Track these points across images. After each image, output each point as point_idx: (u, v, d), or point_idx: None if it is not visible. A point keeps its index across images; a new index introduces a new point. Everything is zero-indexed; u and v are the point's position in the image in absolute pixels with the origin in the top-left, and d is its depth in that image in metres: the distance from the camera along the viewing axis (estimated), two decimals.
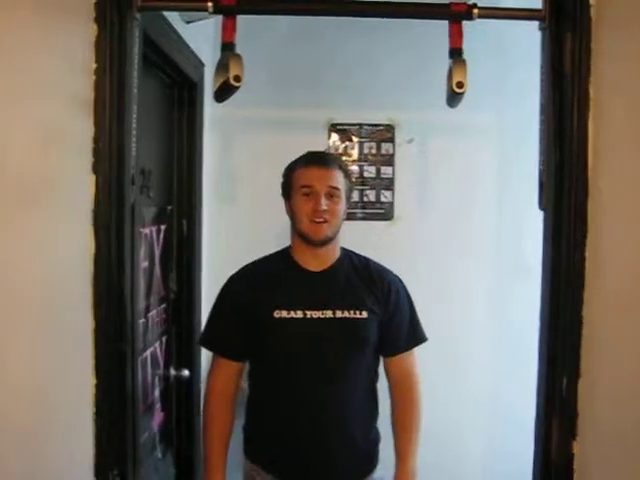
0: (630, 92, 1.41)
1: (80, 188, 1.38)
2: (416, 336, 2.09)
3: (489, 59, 2.74)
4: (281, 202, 2.05)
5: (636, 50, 1.40)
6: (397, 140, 3.00)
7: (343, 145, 3.01)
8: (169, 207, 2.40)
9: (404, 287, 2.10)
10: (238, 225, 2.91)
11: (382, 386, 2.09)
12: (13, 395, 1.37)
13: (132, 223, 1.48)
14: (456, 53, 1.53)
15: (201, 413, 2.12)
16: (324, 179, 1.95)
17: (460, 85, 1.52)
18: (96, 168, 1.38)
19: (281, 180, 2.04)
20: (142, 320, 1.98)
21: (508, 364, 2.91)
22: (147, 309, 2.08)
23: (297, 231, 1.99)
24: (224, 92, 1.57)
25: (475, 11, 1.49)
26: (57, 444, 1.40)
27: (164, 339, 2.33)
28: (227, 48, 1.52)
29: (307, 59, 2.91)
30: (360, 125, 3.00)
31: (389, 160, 3.01)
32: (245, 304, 1.99)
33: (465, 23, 1.51)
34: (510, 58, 2.83)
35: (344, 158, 2.92)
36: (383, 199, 3.02)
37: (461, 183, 2.99)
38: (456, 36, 1.53)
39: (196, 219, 2.55)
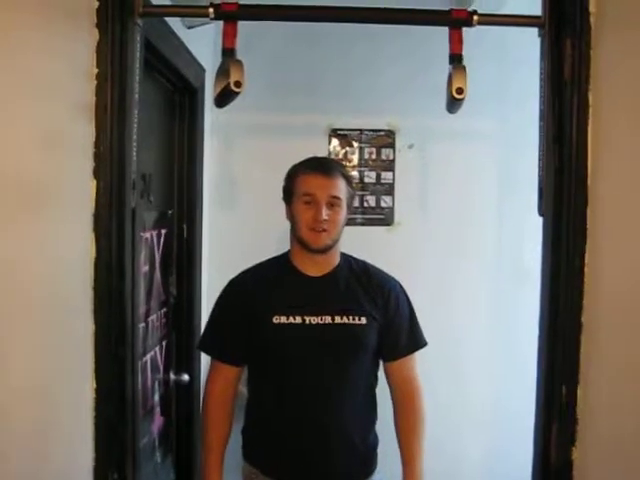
0: (629, 98, 1.42)
1: (81, 192, 1.38)
2: (416, 341, 2.09)
3: (489, 65, 2.75)
4: (281, 207, 2.06)
5: (635, 57, 1.41)
6: (397, 146, 3.01)
7: (343, 150, 3.01)
8: (170, 211, 2.40)
9: (404, 292, 2.10)
10: (238, 230, 2.92)
11: (382, 390, 2.09)
12: (14, 399, 1.37)
13: (133, 227, 1.48)
14: (456, 59, 1.54)
15: (200, 417, 2.12)
16: (326, 188, 1.94)
17: (460, 91, 1.52)
18: (97, 173, 1.38)
19: (282, 184, 2.04)
20: (142, 324, 1.99)
21: (508, 368, 2.91)
22: (147, 313, 2.08)
23: (297, 237, 1.99)
24: (225, 98, 1.58)
25: (475, 18, 1.50)
26: (57, 447, 1.40)
27: (164, 343, 2.33)
28: (228, 54, 1.53)
29: (307, 65, 2.92)
30: (360, 130, 3.01)
31: (389, 165, 3.02)
32: (244, 309, 1.99)
33: (465, 29, 1.52)
34: (510, 64, 2.84)
35: (344, 163, 2.92)
36: (383, 204, 3.02)
37: (461, 189, 2.99)
38: (456, 42, 1.53)
39: (196, 224, 2.56)
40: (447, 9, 1.52)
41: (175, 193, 2.45)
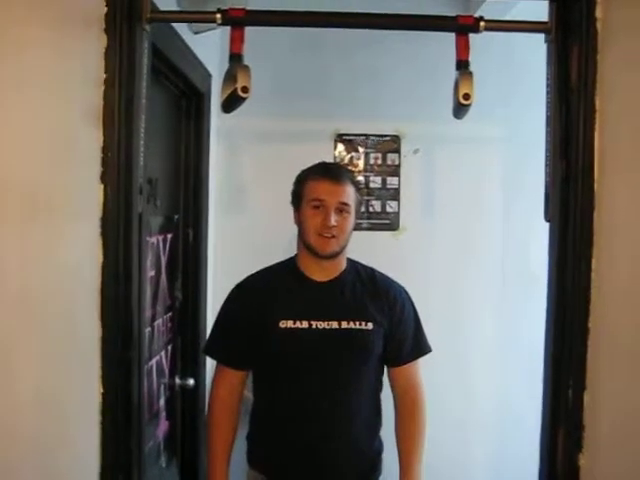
0: (636, 104, 1.42)
1: (88, 197, 1.39)
2: (420, 347, 2.09)
3: (495, 71, 2.75)
4: (286, 212, 2.06)
5: None
6: (403, 151, 3.01)
7: (349, 155, 3.02)
8: (176, 216, 2.41)
9: (409, 298, 2.10)
10: (243, 234, 2.92)
11: (386, 396, 2.09)
12: (19, 403, 1.38)
13: (139, 232, 1.49)
14: (463, 65, 1.54)
15: (205, 422, 2.12)
16: (335, 194, 1.94)
17: (467, 97, 1.52)
18: (104, 177, 1.39)
19: (289, 190, 2.04)
20: (148, 329, 1.99)
21: (515, 373, 2.91)
22: (153, 318, 2.09)
23: (304, 242, 1.99)
24: (232, 103, 1.58)
25: (482, 24, 1.50)
26: (63, 452, 1.40)
27: (169, 348, 2.33)
28: (235, 59, 1.53)
29: (313, 70, 2.93)
30: (366, 136, 3.01)
31: (395, 171, 3.02)
32: (250, 313, 1.99)
33: (472, 35, 1.52)
34: (516, 70, 2.85)
35: (350, 169, 2.92)
36: (389, 209, 3.02)
37: (467, 194, 2.99)
38: (463, 48, 1.53)
39: (202, 228, 2.56)
40: (454, 15, 1.53)
41: (181, 198, 2.46)
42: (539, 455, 1.54)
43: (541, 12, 1.51)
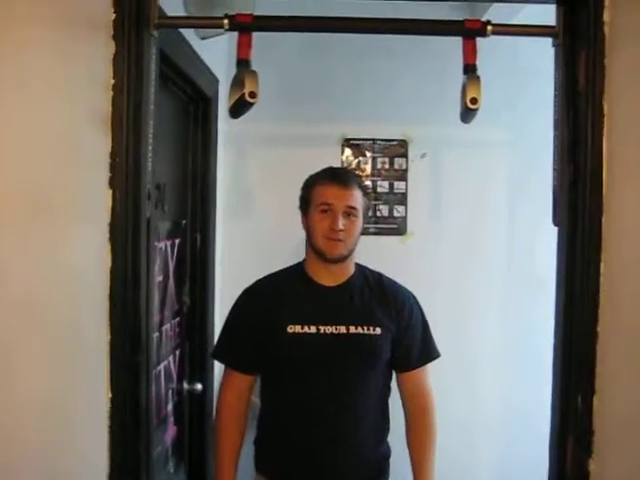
0: None
1: (97, 202, 1.39)
2: (429, 352, 2.09)
3: (502, 75, 2.75)
4: (294, 217, 2.06)
5: None
6: (410, 155, 3.01)
7: (356, 160, 3.02)
8: (183, 221, 2.41)
9: (417, 303, 2.10)
10: (251, 239, 2.92)
11: (395, 401, 2.09)
12: (27, 407, 1.38)
13: (148, 237, 1.49)
14: (470, 69, 1.54)
15: (213, 427, 2.12)
16: (343, 198, 1.95)
17: (474, 101, 1.52)
18: (113, 183, 1.39)
19: (296, 195, 2.05)
20: (156, 334, 1.99)
21: (523, 377, 2.90)
22: (161, 323, 2.09)
23: (312, 247, 2.00)
24: (239, 108, 1.58)
25: (489, 28, 1.49)
26: (71, 456, 1.41)
27: (177, 353, 2.34)
28: (243, 65, 1.53)
29: (321, 74, 2.93)
30: (373, 140, 3.01)
31: (402, 175, 3.02)
32: (258, 318, 1.99)
33: (479, 39, 1.52)
34: (523, 73, 2.85)
35: (357, 173, 2.93)
36: (396, 214, 3.02)
37: (474, 198, 2.99)
38: (470, 52, 1.53)
39: (210, 233, 2.57)
40: (461, 19, 1.53)
41: (189, 203, 2.47)
42: (548, 460, 1.53)
43: (548, 16, 1.51)
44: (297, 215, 2.06)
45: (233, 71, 1.55)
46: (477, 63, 1.54)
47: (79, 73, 1.38)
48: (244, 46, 1.52)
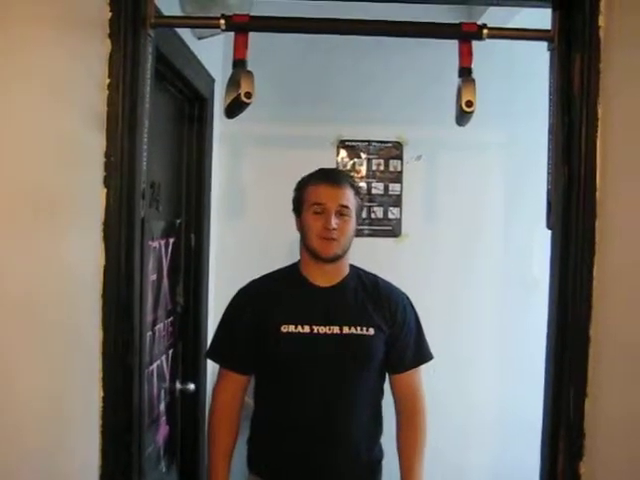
0: (639, 112, 1.42)
1: (91, 201, 1.39)
2: (422, 354, 2.09)
3: (498, 78, 2.76)
4: (289, 217, 2.07)
5: None
6: (405, 157, 3.02)
7: (351, 162, 3.02)
8: (178, 221, 2.41)
9: (411, 305, 2.11)
10: (246, 239, 2.93)
11: (387, 404, 2.09)
12: (20, 406, 1.38)
13: (142, 236, 1.49)
14: (465, 72, 1.54)
15: (206, 426, 2.12)
16: (335, 197, 1.96)
17: (469, 104, 1.53)
18: (107, 182, 1.39)
19: (291, 195, 2.06)
20: (149, 333, 1.99)
21: (516, 379, 2.90)
22: (154, 322, 2.09)
23: (307, 247, 2.00)
24: (235, 108, 1.59)
25: (485, 31, 1.50)
26: (63, 456, 1.40)
27: (170, 353, 2.33)
28: (238, 65, 1.53)
29: (316, 76, 2.94)
30: (368, 142, 3.02)
31: (397, 177, 3.03)
32: (253, 318, 2.00)
33: (475, 42, 1.53)
34: (518, 77, 2.85)
35: (352, 175, 2.93)
36: (391, 216, 3.02)
37: (469, 201, 3.00)
38: (466, 56, 1.54)
39: (204, 233, 2.57)
40: (457, 22, 1.53)
41: (183, 202, 2.47)
42: (540, 463, 1.53)
43: (544, 20, 1.51)
44: (291, 215, 2.06)
45: (229, 71, 1.55)
46: (473, 66, 1.54)
47: (75, 72, 1.38)
48: (240, 46, 1.53)
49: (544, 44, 1.51)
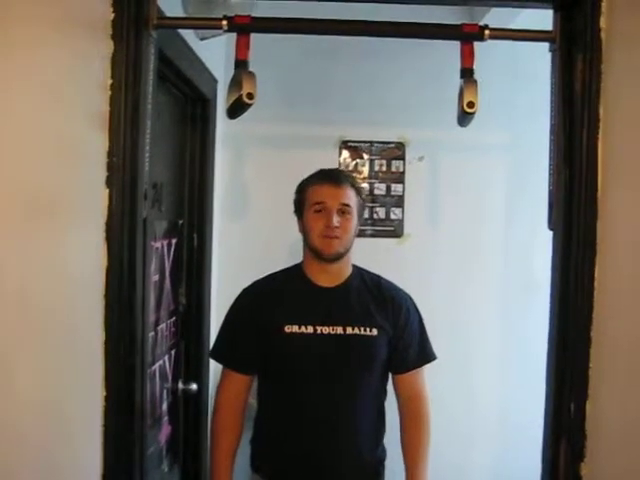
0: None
1: (93, 201, 1.39)
2: (425, 354, 2.09)
3: (500, 78, 2.75)
4: (291, 218, 2.07)
5: None
6: (407, 158, 3.02)
7: (354, 162, 3.02)
8: (180, 221, 2.41)
9: (414, 305, 2.11)
10: (248, 240, 2.92)
11: (390, 404, 2.09)
12: (22, 406, 1.38)
13: (144, 237, 1.49)
14: (467, 73, 1.54)
15: (209, 426, 2.12)
16: (336, 196, 1.97)
17: (471, 105, 1.53)
18: (110, 182, 1.39)
19: (293, 198, 2.06)
20: (151, 333, 1.99)
21: (518, 380, 2.90)
22: (157, 322, 2.09)
23: (309, 247, 2.01)
24: (237, 109, 1.59)
25: (487, 32, 1.50)
26: (65, 455, 1.41)
27: (173, 353, 2.33)
28: (240, 66, 1.54)
29: (319, 77, 2.94)
30: (371, 143, 3.02)
31: (399, 178, 3.03)
32: (257, 318, 2.00)
33: (476, 43, 1.53)
34: (520, 78, 2.85)
35: (354, 175, 2.93)
36: (393, 216, 3.02)
37: (471, 201, 2.99)
38: (468, 56, 1.54)
39: (207, 233, 2.57)
40: (459, 23, 1.53)
41: (186, 203, 2.47)
42: (541, 464, 1.53)
43: (546, 21, 1.51)
44: (294, 215, 2.06)
45: (232, 71, 1.56)
46: (474, 67, 1.54)
47: (77, 72, 1.39)
48: (242, 47, 1.53)
49: (546, 45, 1.51)
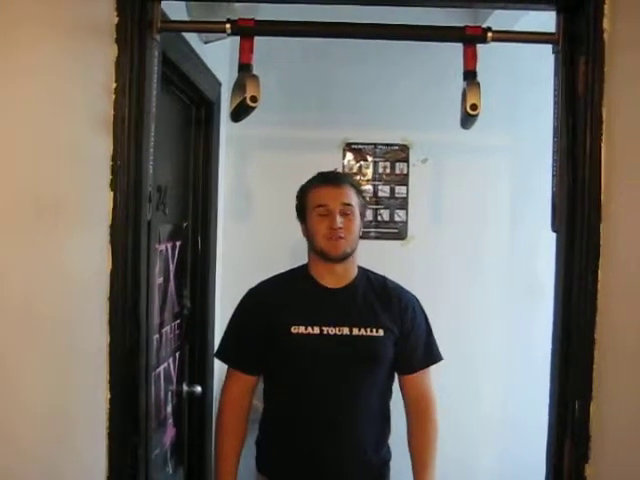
0: None
1: (98, 204, 1.40)
2: (432, 355, 2.09)
3: (503, 80, 2.75)
4: (295, 220, 2.08)
5: None
6: (411, 160, 3.02)
7: (358, 164, 3.02)
8: (184, 224, 2.42)
9: (421, 307, 2.11)
10: (252, 242, 2.93)
11: (395, 404, 2.09)
12: (26, 409, 1.39)
13: (148, 240, 1.49)
14: (470, 76, 1.55)
15: (214, 427, 2.12)
16: (337, 197, 1.97)
17: (474, 107, 1.53)
18: (114, 185, 1.40)
19: (295, 203, 2.07)
20: (156, 336, 2.00)
21: (522, 381, 2.89)
22: (161, 325, 2.09)
23: (315, 250, 2.01)
24: (240, 112, 1.60)
25: (489, 34, 1.51)
26: (70, 458, 1.41)
27: (177, 355, 2.34)
28: (244, 69, 1.54)
29: (322, 79, 2.94)
30: (375, 145, 3.02)
31: (403, 180, 3.03)
32: (262, 318, 2.01)
33: (479, 45, 1.53)
34: (523, 80, 2.85)
35: (358, 177, 2.94)
36: (397, 218, 3.03)
37: (475, 203, 2.99)
38: (470, 59, 1.54)
39: (211, 236, 2.57)
40: (462, 26, 1.54)
41: (190, 205, 2.47)
42: (545, 465, 1.53)
43: (549, 23, 1.52)
44: (298, 218, 2.07)
45: (236, 74, 1.56)
46: (477, 69, 1.55)
47: (82, 76, 1.40)
48: (246, 50, 1.54)
49: (549, 47, 1.51)
